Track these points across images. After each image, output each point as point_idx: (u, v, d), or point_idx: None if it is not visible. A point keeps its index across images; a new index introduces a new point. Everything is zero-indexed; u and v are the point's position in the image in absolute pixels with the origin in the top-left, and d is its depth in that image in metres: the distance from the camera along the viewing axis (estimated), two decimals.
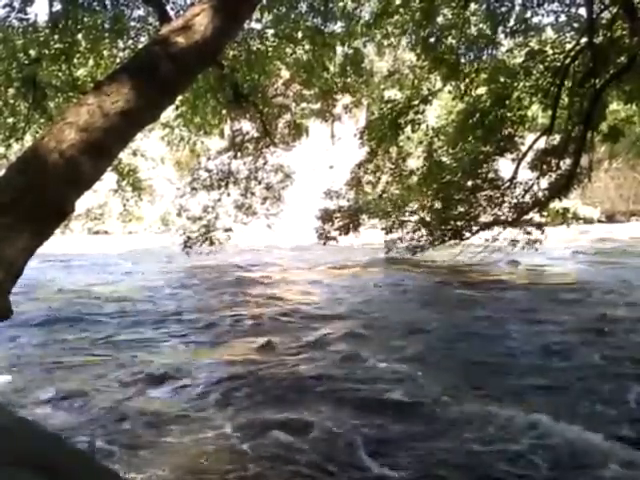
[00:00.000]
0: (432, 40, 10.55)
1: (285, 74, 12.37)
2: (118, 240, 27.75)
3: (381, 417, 3.96)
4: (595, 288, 9.68)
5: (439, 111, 15.56)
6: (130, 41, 9.15)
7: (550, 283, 10.86)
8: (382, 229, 13.35)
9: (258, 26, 9.92)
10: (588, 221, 31.54)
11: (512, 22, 10.43)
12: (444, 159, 12.31)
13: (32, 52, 8.54)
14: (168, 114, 11.56)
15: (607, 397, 4.28)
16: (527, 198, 11.39)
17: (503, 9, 10.25)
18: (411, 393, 4.43)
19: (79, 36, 8.67)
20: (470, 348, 5.98)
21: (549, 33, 11.61)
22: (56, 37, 8.36)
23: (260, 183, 13.45)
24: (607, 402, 4.15)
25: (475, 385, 4.64)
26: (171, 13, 6.69)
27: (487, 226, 11.89)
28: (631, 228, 25.99)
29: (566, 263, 13.97)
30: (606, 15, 9.93)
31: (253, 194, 13.50)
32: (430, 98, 12.00)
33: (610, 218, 36.40)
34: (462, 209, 11.79)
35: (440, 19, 10.59)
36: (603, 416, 3.92)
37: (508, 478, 3.11)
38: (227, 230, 13.01)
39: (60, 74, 9.23)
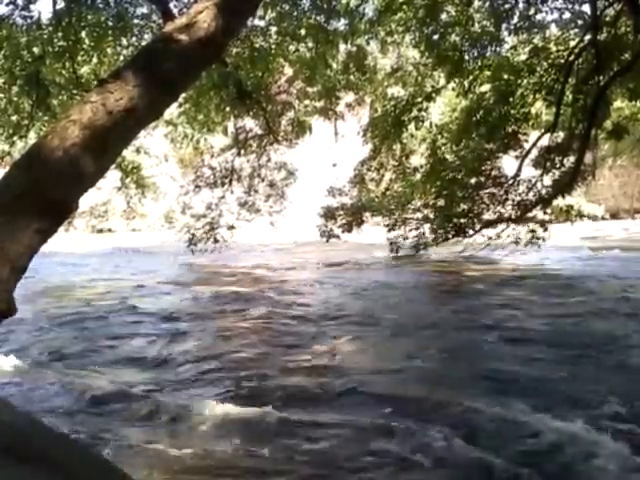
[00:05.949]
0: (436, 37, 10.52)
1: (288, 71, 12.36)
2: (123, 238, 27.80)
3: None
4: None
5: (443, 108, 15.54)
6: (133, 39, 9.13)
7: None
8: (385, 226, 13.33)
9: (261, 23, 9.90)
10: (592, 218, 31.50)
11: (516, 19, 10.40)
12: (447, 156, 12.29)
13: (36, 50, 8.53)
14: (172, 112, 11.58)
15: None
16: (531, 195, 11.36)
17: (507, 6, 10.20)
18: None
19: (83, 34, 8.66)
20: None
21: (553, 30, 11.60)
22: (60, 35, 8.35)
23: (263, 180, 13.46)
24: None
25: None
26: (174, 11, 6.69)
27: (490, 223, 11.86)
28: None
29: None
30: (610, 12, 9.90)
31: (256, 191, 13.51)
32: (434, 95, 11.96)
33: (614, 215, 36.36)
34: (465, 206, 11.74)
35: (444, 16, 10.55)
36: None
37: None
38: (231, 228, 13.01)
39: (64, 72, 9.24)
